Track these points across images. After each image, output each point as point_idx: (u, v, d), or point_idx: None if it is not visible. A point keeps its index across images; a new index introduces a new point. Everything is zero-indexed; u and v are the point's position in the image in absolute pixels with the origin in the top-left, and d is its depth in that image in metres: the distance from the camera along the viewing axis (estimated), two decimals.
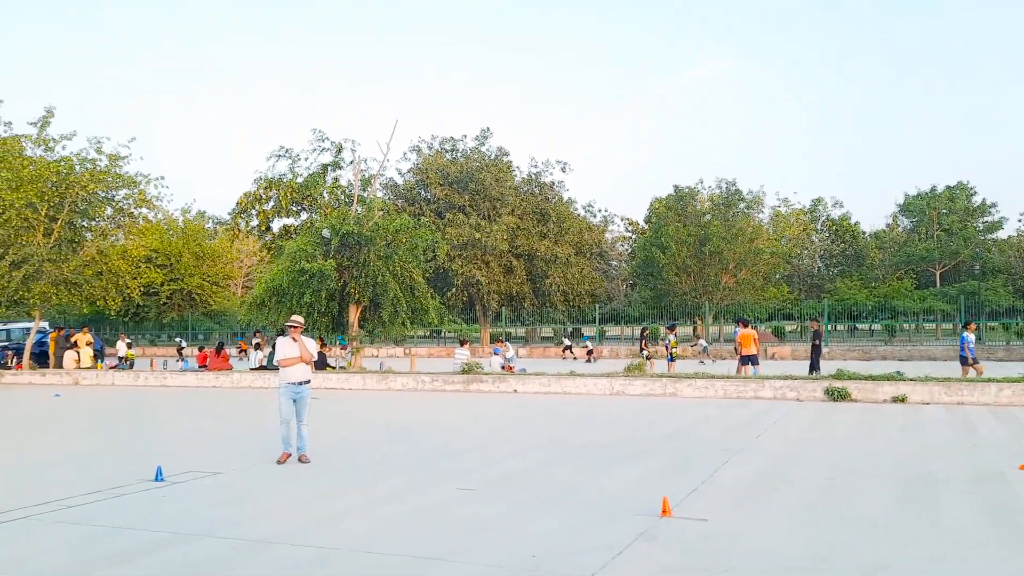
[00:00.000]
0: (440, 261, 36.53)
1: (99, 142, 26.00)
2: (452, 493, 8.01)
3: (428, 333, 52.03)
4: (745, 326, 20.75)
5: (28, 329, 28.78)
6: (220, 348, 25.61)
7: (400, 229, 22.75)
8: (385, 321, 22.64)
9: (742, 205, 52.78)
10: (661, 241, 49.63)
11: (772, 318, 48.60)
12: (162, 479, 8.80)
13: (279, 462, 9.77)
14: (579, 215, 51.88)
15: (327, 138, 25.03)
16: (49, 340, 27.17)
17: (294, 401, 9.98)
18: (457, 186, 46.01)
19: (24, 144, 25.93)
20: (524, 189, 48.86)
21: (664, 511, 6.78)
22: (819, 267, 66.54)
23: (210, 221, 67.90)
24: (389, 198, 47.44)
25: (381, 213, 23.94)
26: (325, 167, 25.46)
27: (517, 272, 45.55)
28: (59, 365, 26.11)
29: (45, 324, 28.86)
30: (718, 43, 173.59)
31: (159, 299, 46.46)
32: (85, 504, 7.70)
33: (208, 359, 25.66)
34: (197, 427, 14.24)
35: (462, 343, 21.99)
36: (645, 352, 25.04)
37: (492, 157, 48.12)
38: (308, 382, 10.10)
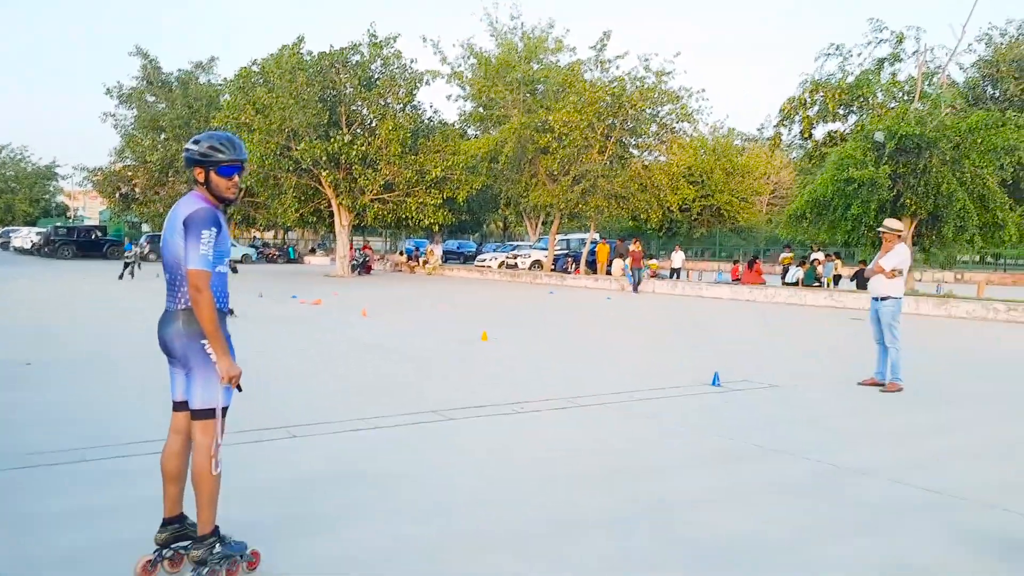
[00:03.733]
0: None
1: (647, 59, 27.23)
2: None
3: (981, 258, 44.52)
4: None
5: (583, 240, 32.38)
6: (752, 263, 25.23)
7: (975, 128, 18.98)
8: (947, 237, 19.37)
9: None
10: None
11: None
12: (718, 384, 8.51)
13: (860, 383, 8.81)
14: None
15: (885, 27, 21.98)
16: (597, 249, 30.11)
17: (877, 319, 8.78)
18: None
19: (584, 67, 28.49)
20: None
21: None
22: None
23: (739, 137, 68.10)
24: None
25: (949, 111, 20.33)
26: (881, 61, 22.50)
27: None
28: (608, 272, 28.81)
29: (596, 235, 32.06)
30: None
31: (690, 214, 48.23)
32: (652, 399, 7.74)
33: (740, 273, 25.52)
34: (740, 337, 13.92)
35: None
36: None
37: None
38: (886, 298, 8.70)
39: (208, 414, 3.23)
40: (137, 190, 44.36)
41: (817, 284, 22.61)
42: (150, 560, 3.33)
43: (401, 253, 39.17)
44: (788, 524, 4.27)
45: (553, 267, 31.67)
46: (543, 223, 37.64)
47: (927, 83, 22.00)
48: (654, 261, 29.34)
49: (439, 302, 20.10)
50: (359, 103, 29.96)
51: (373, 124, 30.18)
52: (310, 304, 17.80)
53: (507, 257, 35.31)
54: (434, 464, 5.24)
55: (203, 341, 3.18)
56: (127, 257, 25.12)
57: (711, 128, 57.55)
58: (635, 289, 25.23)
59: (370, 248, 38.65)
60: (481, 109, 33.34)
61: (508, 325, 14.71)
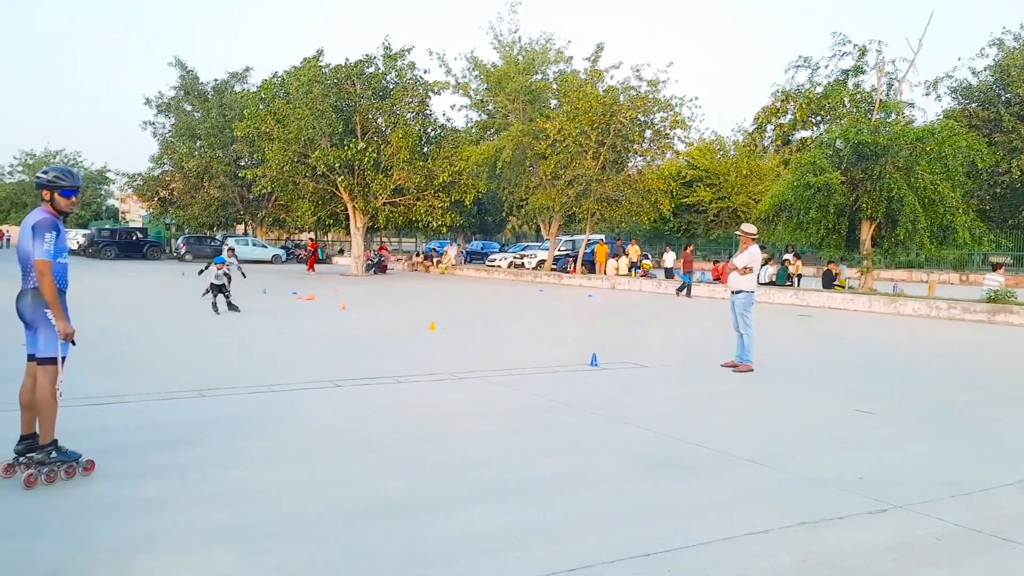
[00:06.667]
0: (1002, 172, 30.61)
1: (639, 69, 28.61)
2: (847, 414, 7.40)
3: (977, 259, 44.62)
4: None
5: (593, 240, 33.89)
6: None
7: (923, 137, 19.95)
8: (901, 240, 20.39)
9: None
10: None
11: None
12: (596, 364, 9.99)
13: (722, 365, 10.11)
14: None
15: (848, 41, 22.99)
16: (596, 249, 31.58)
17: (733, 309, 10.16)
18: None
19: (581, 78, 29.99)
20: None
21: None
22: None
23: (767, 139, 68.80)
24: (960, 103, 41.40)
25: (905, 119, 21.22)
26: (846, 73, 23.56)
27: None
28: (604, 271, 30.27)
29: (599, 236, 33.51)
30: None
31: (707, 216, 49.14)
32: (525, 376, 9.28)
33: (721, 272, 26.70)
34: (665, 328, 15.29)
35: (995, 268, 18.64)
36: None
37: None
38: (740, 292, 10.09)
39: (46, 361, 4.74)
40: (175, 194, 47.18)
41: (789, 283, 23.71)
42: (10, 464, 4.78)
43: (418, 254, 41.11)
44: (516, 449, 5.84)
45: (554, 266, 33.19)
46: (561, 225, 39.10)
47: (887, 93, 22.93)
48: (647, 261, 30.69)
49: (426, 298, 21.82)
50: (373, 112, 31.91)
51: (387, 132, 32.09)
52: (304, 299, 19.69)
53: (515, 257, 36.99)
54: (296, 414, 6.92)
55: (45, 310, 4.72)
56: (215, 277, 15.12)
57: (737, 130, 58.34)
58: (685, 293, 24.18)
59: (386, 249, 40.66)
60: (485, 117, 35.09)
61: (471, 317, 16.32)
